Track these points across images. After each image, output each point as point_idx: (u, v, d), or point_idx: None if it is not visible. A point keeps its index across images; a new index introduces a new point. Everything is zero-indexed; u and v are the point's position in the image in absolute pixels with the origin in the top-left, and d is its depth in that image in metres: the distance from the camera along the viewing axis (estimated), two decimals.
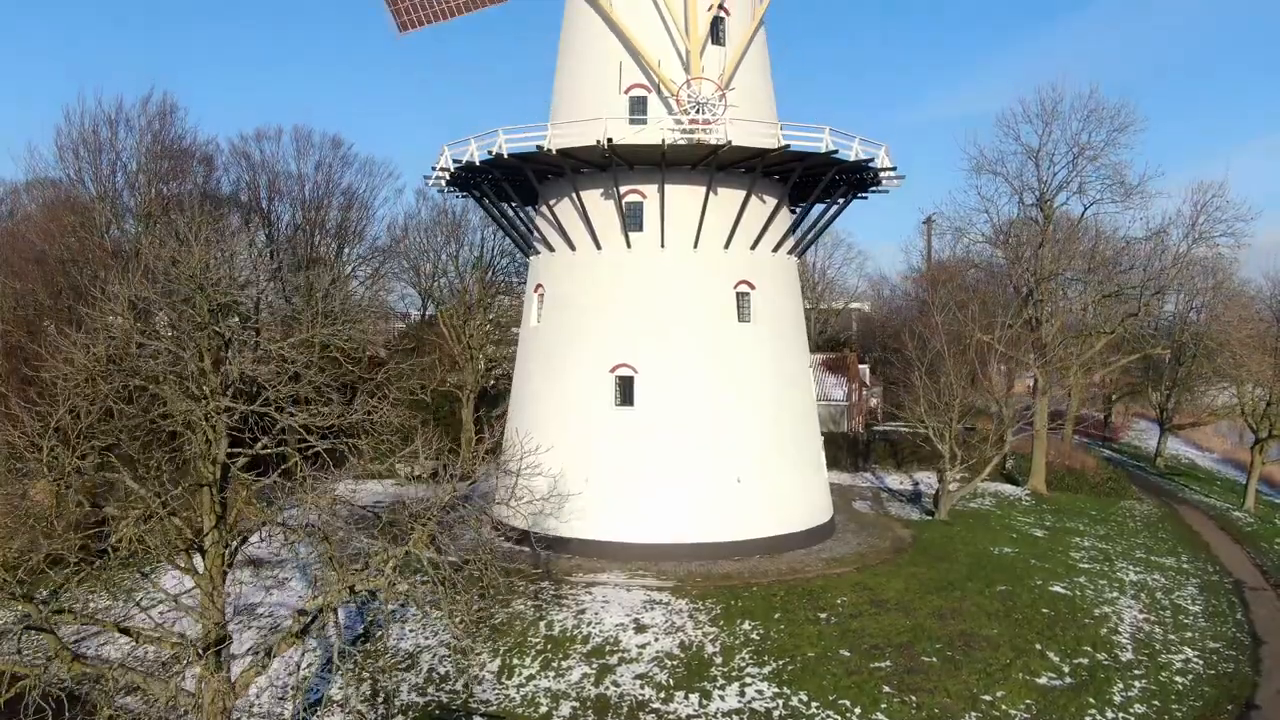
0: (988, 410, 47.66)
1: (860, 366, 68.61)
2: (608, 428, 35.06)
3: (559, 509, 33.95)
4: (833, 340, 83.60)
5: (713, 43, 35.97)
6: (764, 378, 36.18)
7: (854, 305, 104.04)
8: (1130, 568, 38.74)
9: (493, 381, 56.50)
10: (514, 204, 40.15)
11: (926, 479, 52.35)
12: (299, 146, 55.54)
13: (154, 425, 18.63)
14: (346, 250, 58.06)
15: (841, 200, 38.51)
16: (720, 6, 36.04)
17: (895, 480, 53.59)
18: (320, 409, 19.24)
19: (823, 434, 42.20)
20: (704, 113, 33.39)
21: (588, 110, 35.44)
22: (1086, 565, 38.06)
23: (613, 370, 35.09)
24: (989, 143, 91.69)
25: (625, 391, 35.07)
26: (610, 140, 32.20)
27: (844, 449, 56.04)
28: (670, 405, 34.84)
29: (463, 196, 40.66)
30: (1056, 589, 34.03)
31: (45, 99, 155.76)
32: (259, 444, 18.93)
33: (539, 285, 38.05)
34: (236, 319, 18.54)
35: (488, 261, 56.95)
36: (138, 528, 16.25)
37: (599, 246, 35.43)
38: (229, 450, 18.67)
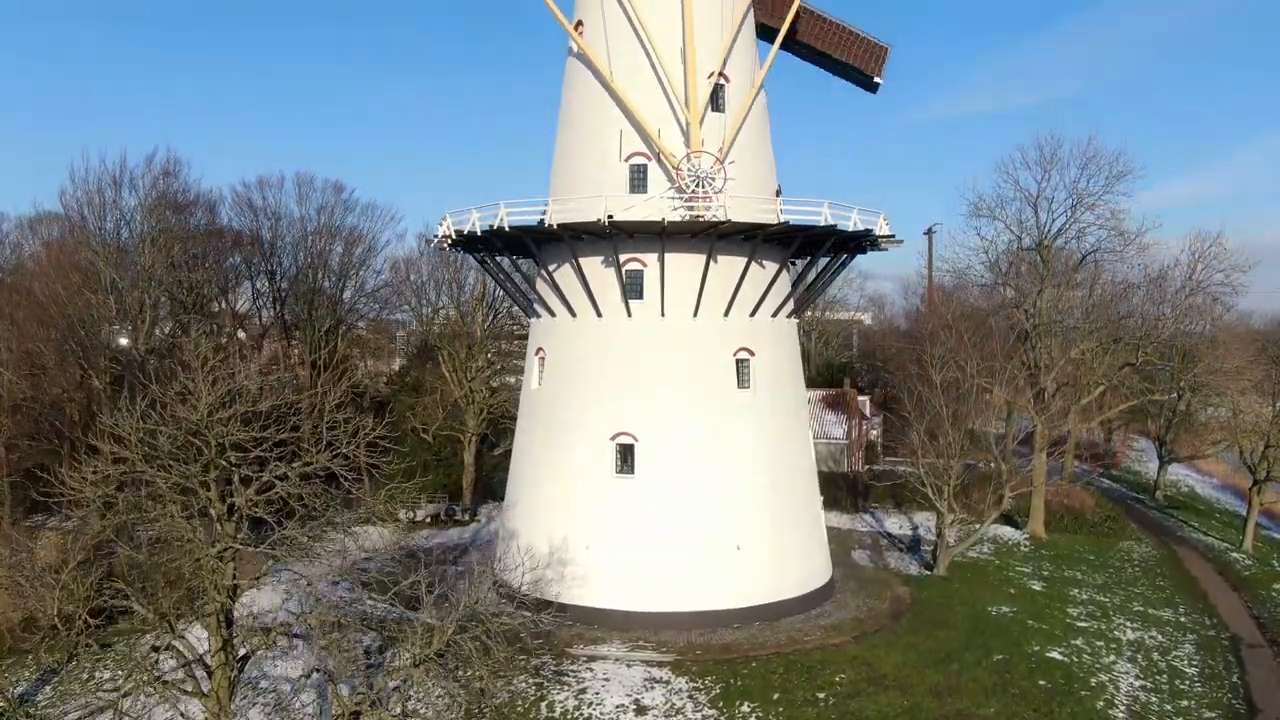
0: (985, 435, 47.71)
1: (860, 398, 68.61)
2: (608, 495, 35.34)
3: (560, 576, 34.36)
4: (832, 364, 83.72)
5: (713, 110, 36.17)
6: (763, 443, 36.43)
7: (856, 316, 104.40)
8: (1128, 624, 39.01)
9: (493, 424, 56.72)
10: (515, 258, 40.62)
11: (926, 522, 52.51)
12: (301, 191, 56.01)
13: (162, 558, 18.94)
14: (349, 292, 58.46)
15: (843, 259, 38.88)
16: (720, 74, 36.27)
17: (894, 523, 53.80)
18: (325, 532, 19.48)
19: (822, 473, 42.30)
20: (704, 187, 33.63)
21: (588, 178, 35.75)
22: (1084, 624, 38.32)
23: (613, 438, 35.36)
24: (988, 187, 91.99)
25: (626, 459, 35.35)
26: (611, 217, 32.48)
27: (843, 489, 56.39)
28: (670, 473, 35.12)
29: (464, 254, 40.96)
30: (1054, 655, 34.29)
31: (48, 152, 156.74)
32: (262, 573, 19.20)
33: (540, 349, 38.30)
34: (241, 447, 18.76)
35: (490, 303, 57.27)
36: (147, 671, 16.53)
37: (599, 314, 35.69)
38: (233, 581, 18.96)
